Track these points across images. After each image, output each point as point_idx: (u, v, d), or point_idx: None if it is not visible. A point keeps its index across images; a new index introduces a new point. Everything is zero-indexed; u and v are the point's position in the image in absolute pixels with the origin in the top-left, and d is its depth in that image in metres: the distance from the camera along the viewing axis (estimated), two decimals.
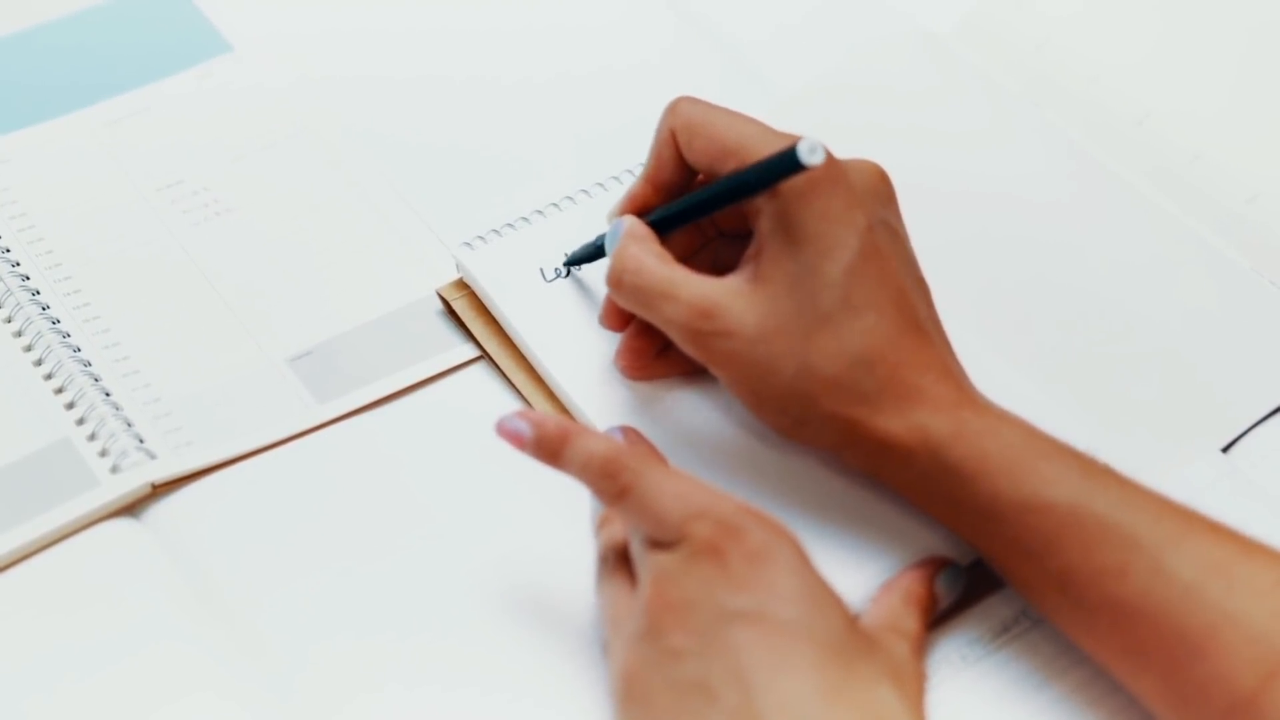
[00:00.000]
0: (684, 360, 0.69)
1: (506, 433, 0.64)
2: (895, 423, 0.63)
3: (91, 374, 0.74)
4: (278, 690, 0.65)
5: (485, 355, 0.75)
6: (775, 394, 0.65)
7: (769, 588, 0.60)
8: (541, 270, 0.75)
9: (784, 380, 0.64)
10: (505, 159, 0.84)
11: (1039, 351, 0.75)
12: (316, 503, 0.71)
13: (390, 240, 0.80)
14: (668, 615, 0.60)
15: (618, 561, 0.65)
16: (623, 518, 0.64)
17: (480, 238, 0.77)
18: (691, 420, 0.71)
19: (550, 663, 0.66)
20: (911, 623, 0.64)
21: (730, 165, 0.66)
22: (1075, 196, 0.81)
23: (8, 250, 0.79)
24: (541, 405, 0.73)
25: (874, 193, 0.66)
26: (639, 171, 0.72)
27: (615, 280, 0.67)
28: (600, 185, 0.79)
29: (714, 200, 0.67)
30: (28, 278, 0.78)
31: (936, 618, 0.66)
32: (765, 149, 0.65)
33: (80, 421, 0.72)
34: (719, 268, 0.69)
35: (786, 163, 0.63)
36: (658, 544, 0.62)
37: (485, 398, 0.74)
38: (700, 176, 0.70)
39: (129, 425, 0.72)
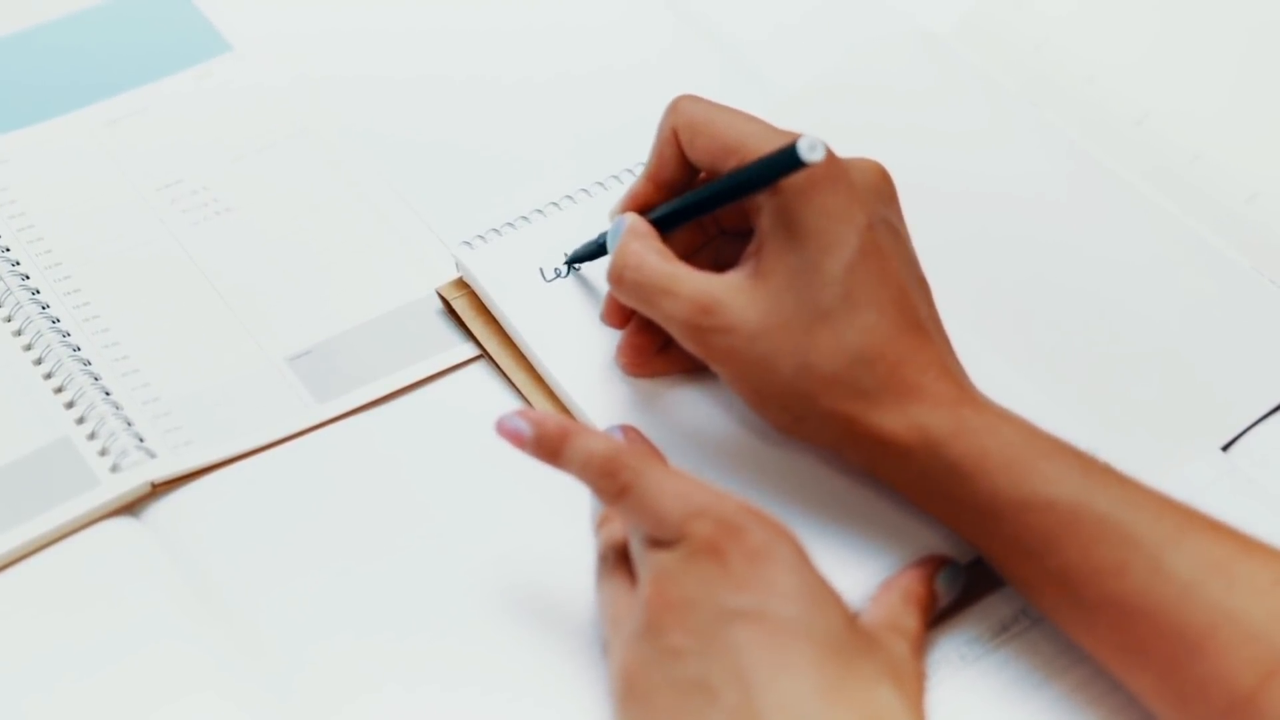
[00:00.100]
0: (685, 357, 0.69)
1: (506, 432, 0.64)
2: (894, 420, 0.63)
3: (91, 373, 0.74)
4: (277, 689, 0.65)
5: (485, 354, 0.75)
6: (775, 391, 0.65)
7: (769, 587, 0.60)
8: (541, 269, 0.75)
9: (783, 377, 0.64)
10: (505, 159, 0.84)
11: (1038, 351, 0.75)
12: (316, 502, 0.71)
13: (390, 240, 0.80)
14: (667, 614, 0.60)
15: (617, 560, 0.65)
16: (622, 516, 0.64)
17: (480, 237, 0.77)
18: (691, 419, 0.71)
19: (550, 662, 0.66)
20: (911, 621, 0.64)
21: (731, 163, 0.66)
22: (1074, 196, 0.81)
23: (7, 249, 0.79)
24: (541, 404, 0.73)
25: (875, 191, 0.66)
26: (639, 171, 0.72)
27: (616, 276, 0.68)
28: (600, 184, 0.79)
29: (715, 198, 0.67)
30: (27, 277, 0.78)
31: (936, 616, 0.66)
32: (766, 146, 0.65)
33: (80, 420, 0.72)
34: (721, 265, 0.69)
35: (786, 160, 0.63)
36: (657, 543, 0.62)
37: (485, 397, 0.74)
38: (702, 174, 0.70)
39: (129, 424, 0.72)
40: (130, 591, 0.68)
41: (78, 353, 0.75)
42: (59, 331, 0.76)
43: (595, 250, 0.74)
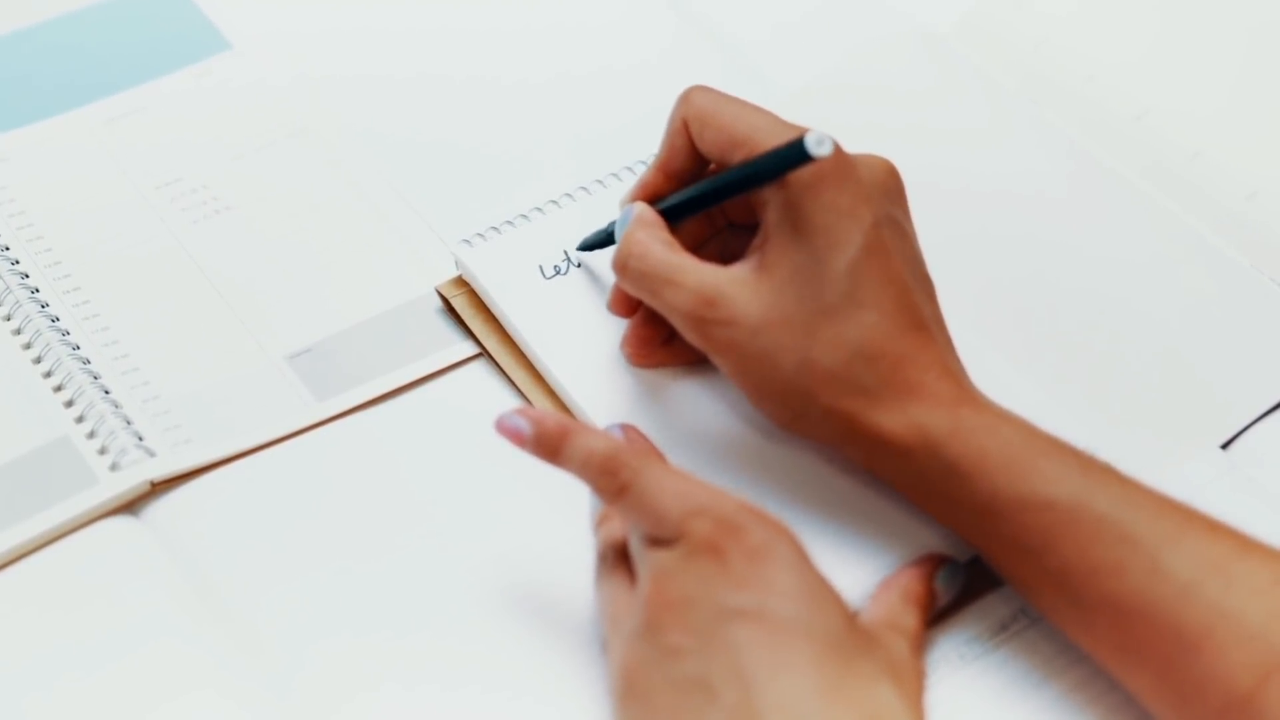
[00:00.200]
0: (689, 349, 0.69)
1: (506, 430, 0.64)
2: (894, 419, 0.63)
3: (90, 372, 0.74)
4: (276, 688, 0.65)
5: (484, 353, 0.75)
6: (775, 385, 0.65)
7: (768, 585, 0.60)
8: (541, 267, 0.75)
9: (784, 372, 0.64)
10: (505, 158, 0.84)
11: (1038, 349, 0.75)
12: (315, 500, 0.71)
13: (389, 238, 0.80)
14: (667, 613, 0.60)
15: (617, 559, 0.65)
16: (622, 515, 0.64)
17: (479, 235, 0.77)
18: (691, 417, 0.71)
19: (549, 661, 0.66)
20: (910, 620, 0.64)
21: (740, 155, 0.66)
22: (1074, 194, 0.81)
23: (6, 248, 0.79)
24: (541, 402, 0.73)
25: (882, 188, 0.66)
26: (639, 169, 0.72)
27: (621, 265, 0.68)
28: (599, 183, 0.79)
29: (722, 189, 0.67)
30: (26, 276, 0.78)
31: (935, 615, 0.66)
32: (774, 140, 0.65)
33: (79, 419, 0.72)
34: (727, 258, 0.69)
35: (794, 154, 0.63)
36: (657, 541, 0.61)
37: (484, 395, 0.74)
38: (711, 166, 0.70)
39: (128, 423, 0.72)
40: (129, 590, 0.68)
41: (77, 351, 0.75)
42: (58, 330, 0.75)
43: (604, 239, 0.74)
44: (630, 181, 0.75)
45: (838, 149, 0.64)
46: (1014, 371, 0.73)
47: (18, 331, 0.76)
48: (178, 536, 0.70)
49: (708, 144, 0.68)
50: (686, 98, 0.69)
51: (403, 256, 0.79)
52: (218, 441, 0.72)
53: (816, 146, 0.62)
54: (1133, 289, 0.77)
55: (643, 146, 0.77)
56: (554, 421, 0.64)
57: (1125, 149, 0.82)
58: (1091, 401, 0.73)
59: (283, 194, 0.82)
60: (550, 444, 0.63)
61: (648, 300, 0.68)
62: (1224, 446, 0.72)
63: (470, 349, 0.76)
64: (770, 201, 0.65)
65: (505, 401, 0.74)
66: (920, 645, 0.64)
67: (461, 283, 0.76)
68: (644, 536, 0.62)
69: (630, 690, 0.60)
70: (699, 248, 0.71)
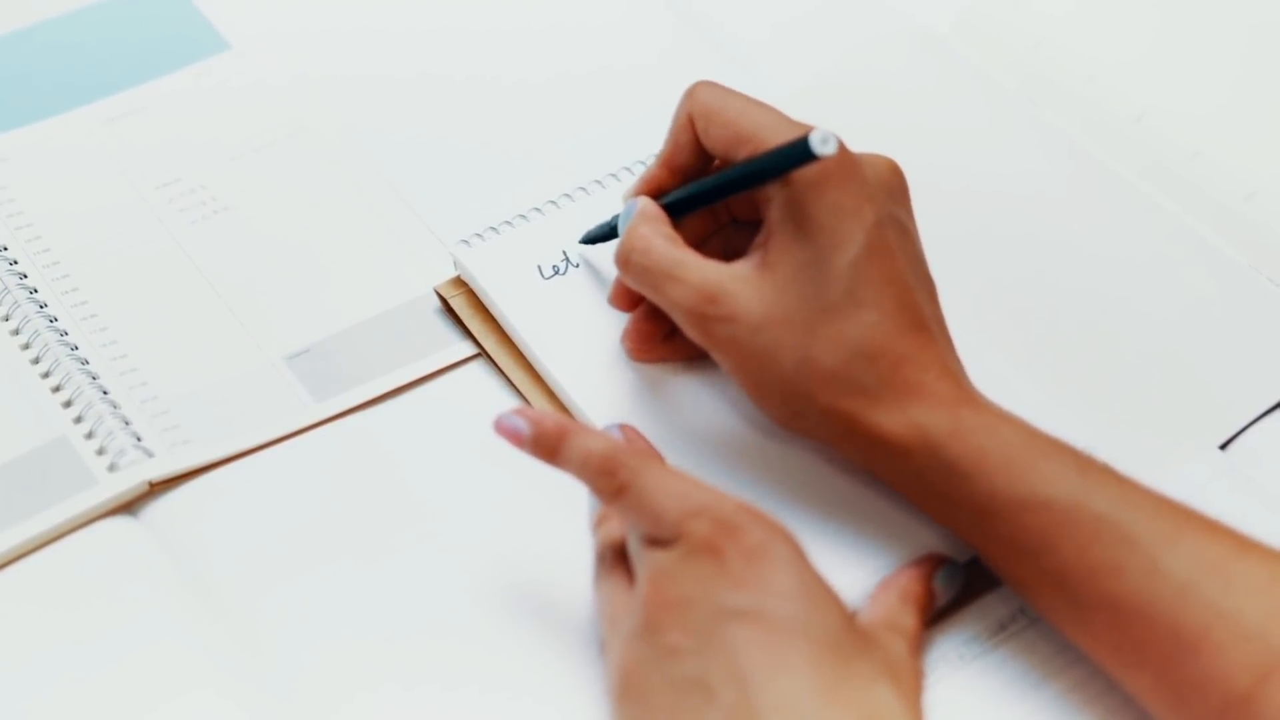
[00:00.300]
0: (689, 345, 0.69)
1: (504, 430, 0.64)
2: (893, 419, 0.63)
3: (89, 372, 0.74)
4: (275, 688, 0.65)
5: (483, 353, 0.75)
6: (775, 383, 0.65)
7: (766, 585, 0.60)
8: (539, 268, 0.75)
9: (784, 370, 0.64)
10: (504, 158, 0.84)
11: (1037, 349, 0.75)
12: (314, 501, 0.71)
13: (388, 238, 0.80)
14: (665, 613, 0.60)
15: (615, 559, 0.65)
16: (620, 515, 0.64)
17: (478, 235, 0.77)
18: (690, 417, 0.71)
19: (548, 661, 0.66)
20: (909, 620, 0.64)
21: (745, 152, 0.66)
22: (1073, 194, 0.81)
23: (5, 249, 0.79)
24: (539, 402, 0.73)
25: (886, 187, 0.66)
26: (638, 169, 0.72)
27: (623, 259, 0.68)
28: (598, 183, 0.79)
29: (726, 186, 0.67)
30: (25, 276, 0.78)
31: (934, 615, 0.66)
32: (779, 137, 0.65)
33: (78, 420, 0.72)
34: (730, 253, 0.69)
35: (798, 152, 0.63)
36: (655, 542, 0.61)
37: (483, 395, 0.74)
38: (716, 162, 0.70)
39: (126, 423, 0.72)
40: (128, 591, 0.68)
41: (75, 351, 0.75)
42: (56, 330, 0.75)
43: (607, 232, 0.74)
44: (629, 182, 0.75)
45: (842, 147, 0.64)
46: (1013, 371, 0.73)
47: (16, 332, 0.76)
48: (176, 537, 0.70)
49: (713, 140, 0.68)
50: (692, 93, 0.69)
51: (401, 257, 0.79)
52: (216, 442, 0.72)
53: (821, 145, 0.62)
54: (1132, 289, 0.77)
55: (642, 147, 0.77)
56: (552, 422, 0.64)
57: (1125, 149, 0.82)
58: (1090, 401, 0.73)
59: (282, 194, 0.82)
60: (549, 444, 0.63)
61: (649, 295, 0.68)
62: (1223, 447, 0.72)
63: (469, 349, 0.76)
64: (774, 199, 0.65)
65: (504, 402, 0.74)
66: (919, 645, 0.64)
67: (460, 283, 0.76)
68: (642, 537, 0.62)
69: (628, 690, 0.60)
70: (702, 243, 0.71)
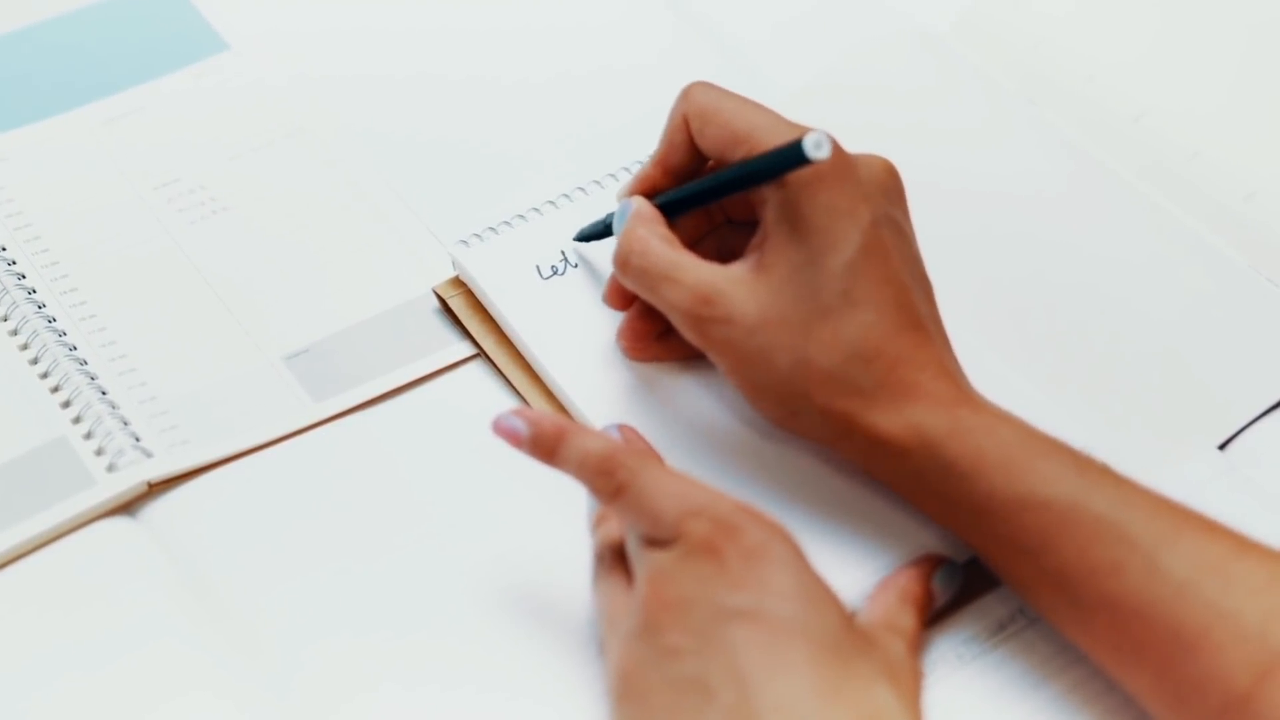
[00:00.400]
0: (684, 344, 0.69)
1: (503, 430, 0.64)
2: (890, 419, 0.63)
3: (88, 372, 0.74)
4: (275, 688, 0.65)
5: (482, 353, 0.75)
6: (771, 384, 0.65)
7: (765, 586, 0.60)
8: (538, 268, 0.75)
9: (780, 371, 0.64)
10: (503, 158, 0.84)
11: (1036, 349, 0.75)
12: (313, 501, 0.71)
13: (387, 238, 0.80)
14: (664, 613, 0.60)
15: (614, 559, 0.65)
16: (619, 516, 0.64)
17: (476, 235, 0.77)
18: (688, 417, 0.71)
19: (547, 661, 0.65)
20: (908, 620, 0.64)
21: (740, 153, 0.66)
22: (1072, 194, 0.81)
23: (4, 249, 0.79)
24: (538, 403, 0.73)
25: (881, 188, 0.66)
26: (635, 169, 0.72)
27: (621, 261, 0.68)
28: (597, 183, 0.79)
29: (721, 187, 0.67)
30: (24, 276, 0.78)
31: (933, 615, 0.66)
32: (774, 139, 0.65)
33: (76, 420, 0.72)
34: (725, 253, 0.69)
35: (791, 156, 0.63)
36: (654, 542, 0.61)
37: (481, 395, 0.74)
38: (711, 162, 0.70)
39: (125, 424, 0.72)
40: (127, 591, 0.68)
41: (74, 352, 0.75)
42: (55, 331, 0.75)
43: (602, 230, 0.74)
44: (628, 182, 0.75)
45: (837, 149, 0.64)
46: (1012, 371, 0.73)
47: (15, 332, 0.76)
48: (175, 537, 0.70)
49: (708, 141, 0.68)
50: (687, 94, 0.69)
51: (400, 257, 0.79)
52: (215, 442, 0.72)
53: (815, 149, 0.62)
54: (1131, 289, 0.77)
55: (641, 147, 0.76)
56: (551, 422, 0.64)
57: (1124, 149, 0.82)
58: (1089, 401, 0.73)
59: (280, 194, 0.82)
60: (547, 445, 0.63)
61: (645, 296, 0.68)
62: (1221, 447, 0.72)
63: (467, 349, 0.76)
64: (769, 200, 0.65)
65: (502, 402, 0.74)
66: (918, 646, 0.64)
67: (458, 283, 0.76)
68: (641, 537, 0.62)
69: (628, 690, 0.60)
70: (696, 243, 0.71)
